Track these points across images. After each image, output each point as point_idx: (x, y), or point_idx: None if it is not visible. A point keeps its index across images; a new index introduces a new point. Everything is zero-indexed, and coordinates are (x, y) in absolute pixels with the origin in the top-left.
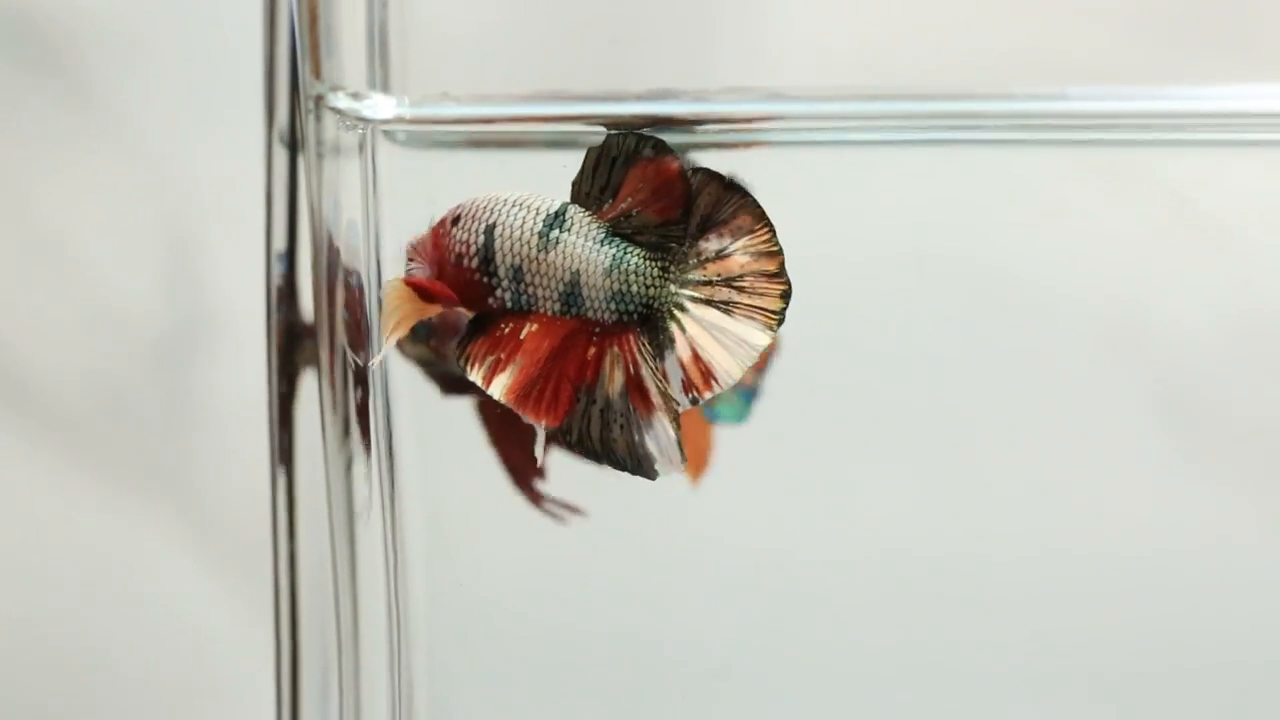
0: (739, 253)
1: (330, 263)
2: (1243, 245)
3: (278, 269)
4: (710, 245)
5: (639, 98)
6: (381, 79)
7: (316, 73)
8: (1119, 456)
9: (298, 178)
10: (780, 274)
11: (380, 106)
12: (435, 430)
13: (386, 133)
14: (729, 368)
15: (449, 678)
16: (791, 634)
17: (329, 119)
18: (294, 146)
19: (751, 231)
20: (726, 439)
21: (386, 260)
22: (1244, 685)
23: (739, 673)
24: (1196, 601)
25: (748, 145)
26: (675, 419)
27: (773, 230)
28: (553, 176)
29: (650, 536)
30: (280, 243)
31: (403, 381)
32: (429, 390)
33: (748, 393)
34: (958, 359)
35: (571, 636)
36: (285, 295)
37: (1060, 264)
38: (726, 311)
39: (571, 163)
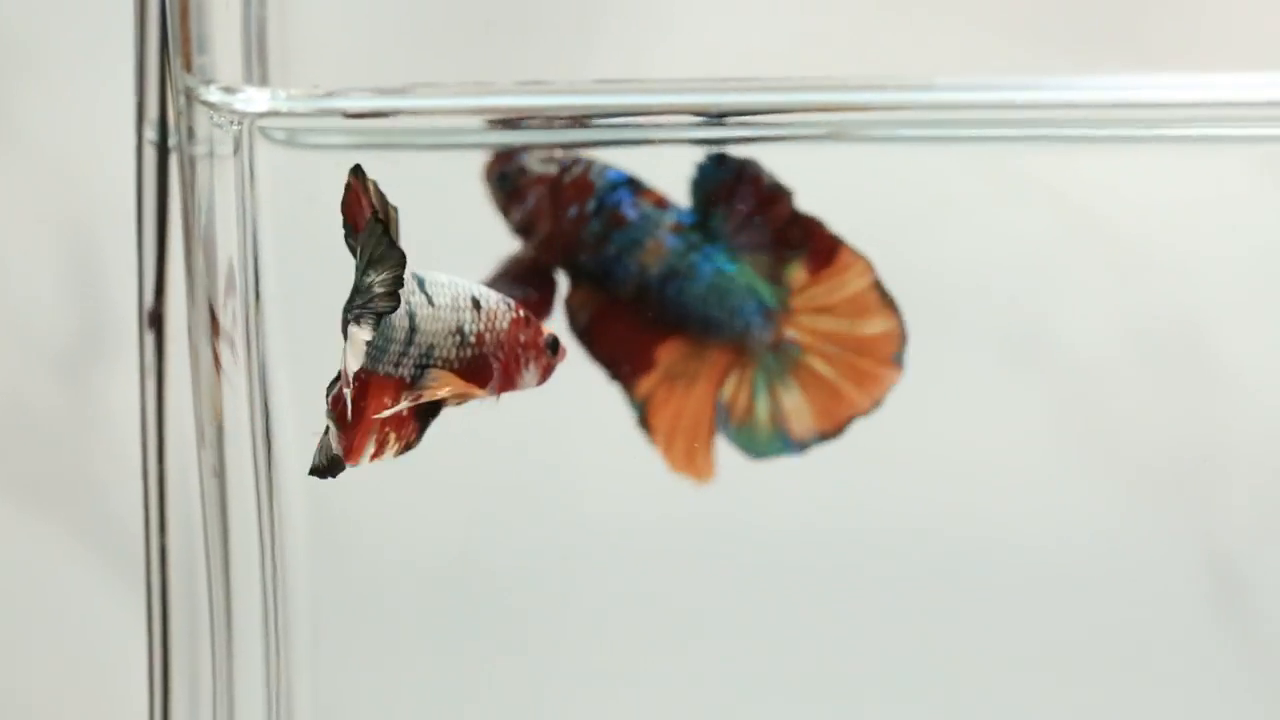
0: (377, 284)
1: (207, 260)
2: (1129, 244)
3: (149, 268)
4: (366, 279)
5: (513, 90)
6: (259, 73)
7: (188, 66)
8: (1010, 455)
9: (168, 175)
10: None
11: (254, 100)
12: (317, 412)
13: (263, 130)
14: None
15: (330, 669)
16: (681, 596)
17: (202, 114)
18: (164, 143)
19: (386, 266)
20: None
21: (264, 257)
22: (1132, 680)
23: (636, 636)
24: (1079, 592)
25: (620, 144)
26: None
27: (400, 267)
28: (457, 176)
29: (547, 507)
30: (151, 242)
31: (283, 376)
32: (308, 381)
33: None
34: None
35: (459, 617)
36: (156, 294)
37: (947, 262)
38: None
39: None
